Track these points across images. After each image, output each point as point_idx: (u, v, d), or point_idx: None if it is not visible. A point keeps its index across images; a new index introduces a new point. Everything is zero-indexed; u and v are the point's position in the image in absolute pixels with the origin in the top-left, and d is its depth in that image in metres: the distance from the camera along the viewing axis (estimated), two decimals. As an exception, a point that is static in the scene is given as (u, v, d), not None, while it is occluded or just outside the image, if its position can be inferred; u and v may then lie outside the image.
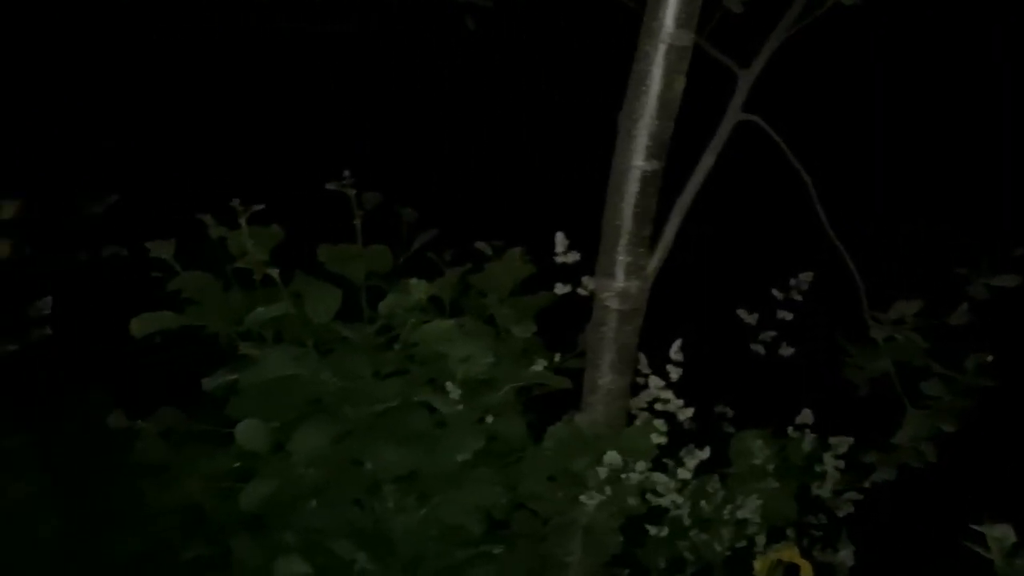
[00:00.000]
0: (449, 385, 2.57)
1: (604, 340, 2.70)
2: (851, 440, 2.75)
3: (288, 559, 2.50)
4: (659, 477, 2.64)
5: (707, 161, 2.78)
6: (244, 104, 4.20)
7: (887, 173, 4.17)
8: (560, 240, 2.67)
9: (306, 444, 2.49)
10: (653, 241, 2.70)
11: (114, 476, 2.67)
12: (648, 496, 2.65)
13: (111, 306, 2.93)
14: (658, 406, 2.70)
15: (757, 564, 2.63)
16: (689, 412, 2.70)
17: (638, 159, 2.59)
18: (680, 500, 2.65)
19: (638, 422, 2.72)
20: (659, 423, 2.67)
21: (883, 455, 2.81)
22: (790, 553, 2.64)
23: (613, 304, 2.68)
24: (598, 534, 2.61)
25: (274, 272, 2.60)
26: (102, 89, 4.00)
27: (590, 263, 2.70)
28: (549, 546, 2.64)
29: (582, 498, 2.58)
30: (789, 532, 2.73)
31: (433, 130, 4.22)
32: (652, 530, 2.66)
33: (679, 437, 2.70)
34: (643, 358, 2.73)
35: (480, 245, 2.83)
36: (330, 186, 2.65)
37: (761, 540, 2.68)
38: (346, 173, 2.65)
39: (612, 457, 2.59)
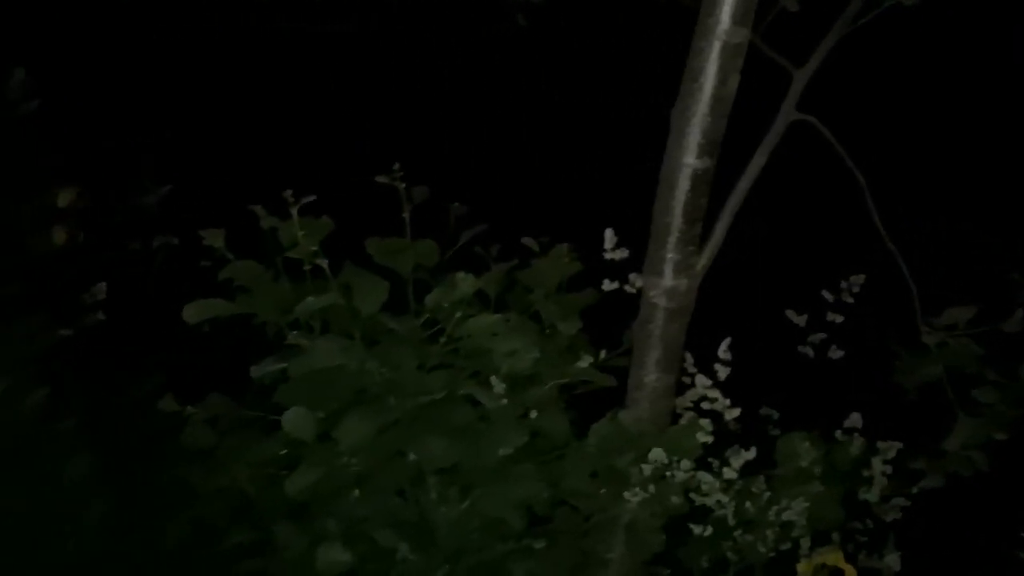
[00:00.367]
0: (493, 379, 2.57)
1: (651, 338, 2.70)
2: (899, 445, 2.72)
3: (330, 547, 2.52)
4: (704, 476, 2.63)
5: (759, 160, 2.75)
6: (298, 98, 4.24)
7: (942, 175, 4.11)
8: (609, 236, 2.67)
9: (351, 434, 2.50)
10: (703, 240, 2.69)
11: (163, 461, 2.71)
12: (692, 495, 2.64)
13: (163, 294, 2.97)
14: (704, 405, 2.69)
15: (801, 567, 2.61)
16: (736, 412, 2.68)
17: (690, 157, 2.58)
18: (725, 500, 2.64)
19: (683, 421, 2.71)
20: (705, 422, 2.66)
21: (932, 461, 2.78)
22: (835, 557, 2.62)
23: (660, 302, 2.67)
24: (640, 532, 2.61)
25: (323, 263, 2.62)
26: (159, 82, 4.06)
27: (638, 260, 2.69)
28: (590, 543, 2.64)
29: (625, 495, 2.58)
30: (834, 536, 2.70)
31: (484, 126, 4.23)
32: (696, 529, 2.65)
33: (724, 437, 2.69)
34: (689, 357, 2.72)
35: (527, 241, 2.83)
36: (380, 179, 2.66)
37: (806, 543, 2.66)
38: (396, 167, 2.66)
39: (657, 454, 2.58)
